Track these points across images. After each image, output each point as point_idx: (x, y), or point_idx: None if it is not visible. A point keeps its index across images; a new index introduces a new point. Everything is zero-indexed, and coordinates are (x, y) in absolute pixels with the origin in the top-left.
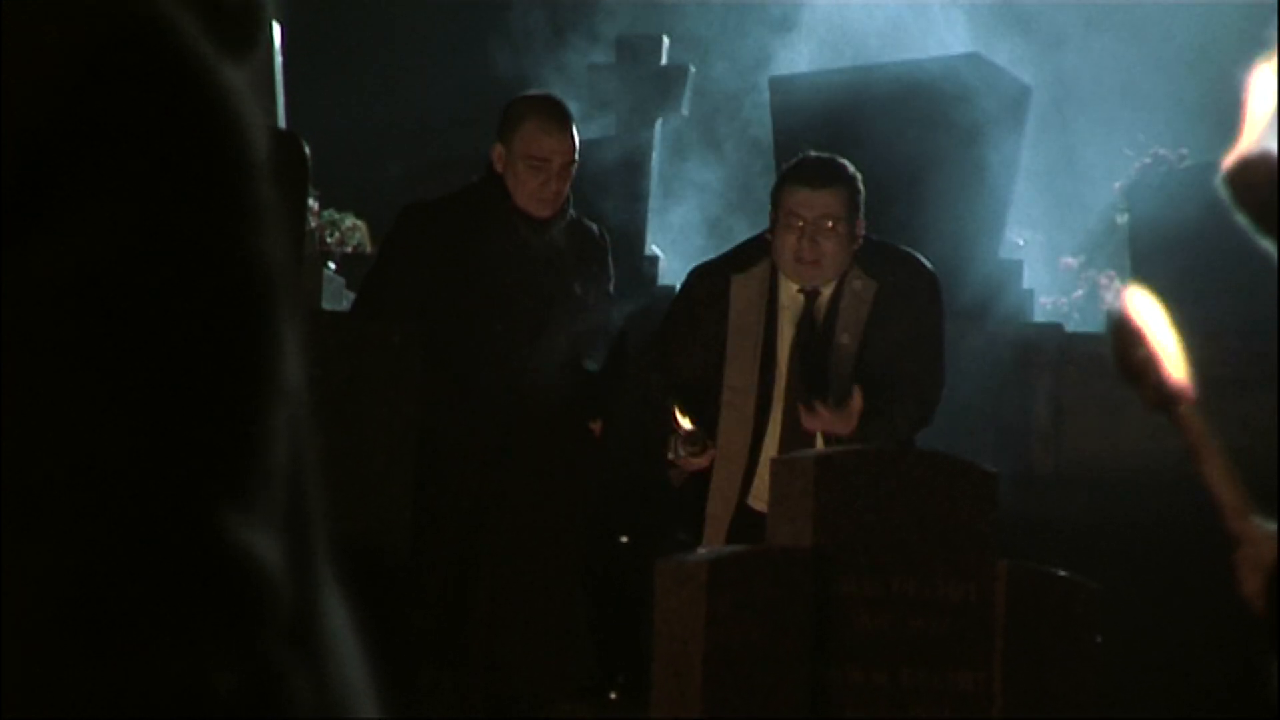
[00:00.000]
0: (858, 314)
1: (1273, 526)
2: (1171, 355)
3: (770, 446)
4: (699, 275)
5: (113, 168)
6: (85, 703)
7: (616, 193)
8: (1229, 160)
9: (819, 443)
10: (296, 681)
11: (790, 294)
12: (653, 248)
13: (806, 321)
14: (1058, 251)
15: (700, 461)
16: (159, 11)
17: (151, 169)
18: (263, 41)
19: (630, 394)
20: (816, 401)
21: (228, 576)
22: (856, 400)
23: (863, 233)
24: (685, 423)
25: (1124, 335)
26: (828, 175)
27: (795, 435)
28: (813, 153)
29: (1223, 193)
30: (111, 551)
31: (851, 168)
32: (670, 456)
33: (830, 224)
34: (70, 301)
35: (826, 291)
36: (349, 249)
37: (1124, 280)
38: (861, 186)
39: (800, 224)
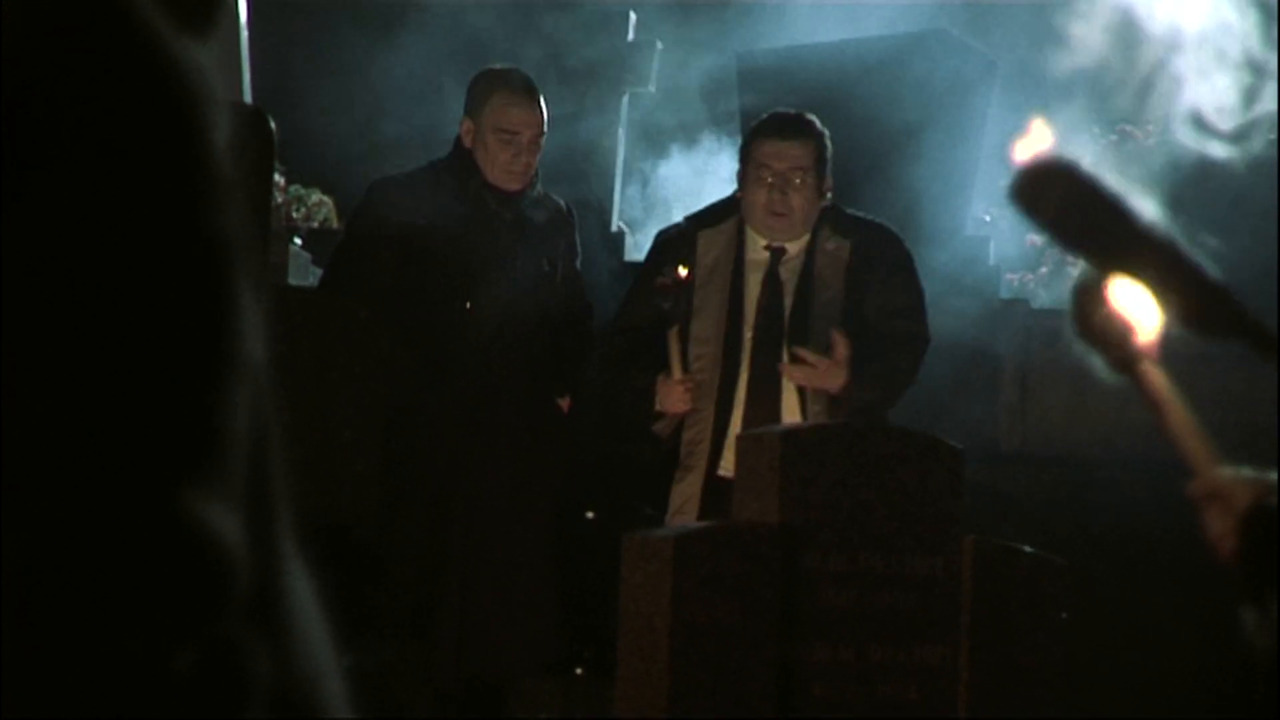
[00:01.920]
0: (835, 272)
1: (1244, 471)
2: (1136, 316)
3: (739, 412)
4: (665, 233)
5: (65, 147)
6: (46, 682)
7: (583, 168)
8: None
9: (793, 404)
10: (254, 656)
11: (757, 250)
12: (619, 223)
13: (772, 279)
14: (1025, 228)
15: (683, 404)
16: None
17: (104, 148)
18: (222, 19)
19: (597, 358)
20: (802, 350)
21: (185, 554)
22: (841, 348)
23: (830, 189)
24: (677, 369)
25: (1086, 296)
26: (797, 127)
27: (763, 396)
28: (780, 109)
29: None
30: (69, 530)
31: (819, 123)
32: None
33: (800, 176)
34: (25, 281)
35: (793, 250)
36: (315, 224)
37: None
38: (829, 143)
39: (770, 176)
